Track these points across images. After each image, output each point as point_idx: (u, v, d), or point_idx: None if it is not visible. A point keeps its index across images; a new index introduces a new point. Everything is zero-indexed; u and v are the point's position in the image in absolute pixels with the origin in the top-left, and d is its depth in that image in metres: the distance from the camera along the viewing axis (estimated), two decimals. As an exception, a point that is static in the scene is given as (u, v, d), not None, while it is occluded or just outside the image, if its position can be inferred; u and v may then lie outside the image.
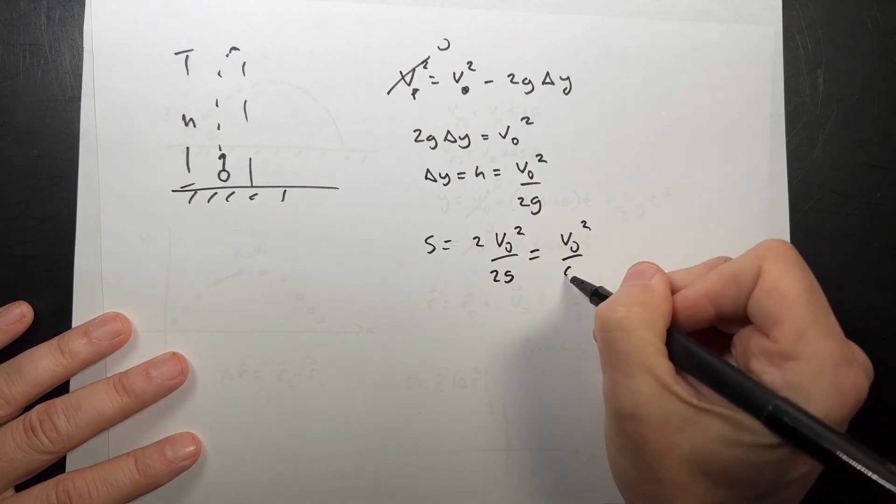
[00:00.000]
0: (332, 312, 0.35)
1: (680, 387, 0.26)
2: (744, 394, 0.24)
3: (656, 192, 0.36)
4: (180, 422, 0.34)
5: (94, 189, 0.33)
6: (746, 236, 0.36)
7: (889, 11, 0.37)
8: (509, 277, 0.35)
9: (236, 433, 0.35)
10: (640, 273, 0.30)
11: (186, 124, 0.34)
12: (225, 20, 0.34)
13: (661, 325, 0.27)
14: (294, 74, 0.34)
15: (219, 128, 0.34)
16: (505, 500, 0.36)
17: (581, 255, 0.36)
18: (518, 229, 0.35)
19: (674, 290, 0.29)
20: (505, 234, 0.35)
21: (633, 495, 0.28)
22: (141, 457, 0.33)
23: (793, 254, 0.26)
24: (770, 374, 0.25)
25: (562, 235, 0.36)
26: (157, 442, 0.34)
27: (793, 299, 0.25)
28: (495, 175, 0.35)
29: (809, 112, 0.37)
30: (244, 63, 0.34)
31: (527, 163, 0.35)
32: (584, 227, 0.36)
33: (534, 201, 0.36)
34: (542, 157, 0.35)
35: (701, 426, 0.25)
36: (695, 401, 0.25)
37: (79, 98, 0.33)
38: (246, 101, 0.34)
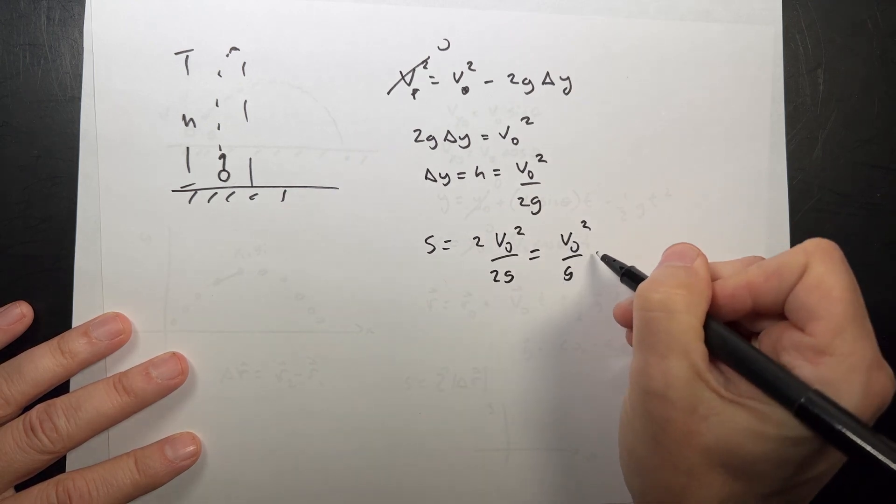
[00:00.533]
0: (332, 312, 0.35)
1: (712, 375, 0.26)
2: (776, 384, 0.25)
3: (656, 192, 0.36)
4: (180, 422, 0.34)
5: (94, 189, 0.33)
6: (746, 236, 0.36)
7: (889, 11, 0.37)
8: (509, 277, 0.35)
9: (236, 433, 0.35)
10: (681, 254, 0.29)
11: (186, 124, 0.34)
12: (225, 20, 0.34)
13: (702, 309, 0.27)
14: (294, 74, 0.34)
15: (219, 128, 0.34)
16: (505, 500, 0.36)
17: (581, 255, 0.36)
18: (518, 229, 0.35)
19: (712, 279, 0.29)
20: (505, 234, 0.35)
21: (645, 483, 0.27)
22: (141, 457, 0.33)
23: (839, 254, 0.26)
24: (801, 369, 0.25)
25: (562, 235, 0.36)
26: (157, 442, 0.34)
27: (836, 296, 0.25)
28: (495, 175, 0.35)
29: (809, 112, 0.37)
30: (244, 63, 0.34)
31: (527, 163, 0.35)
32: (584, 227, 0.36)
33: (534, 201, 0.36)
34: (542, 157, 0.35)
35: (727, 417, 0.25)
36: (724, 391, 0.26)
37: (79, 98, 0.33)
38: (246, 101, 0.34)
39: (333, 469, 0.35)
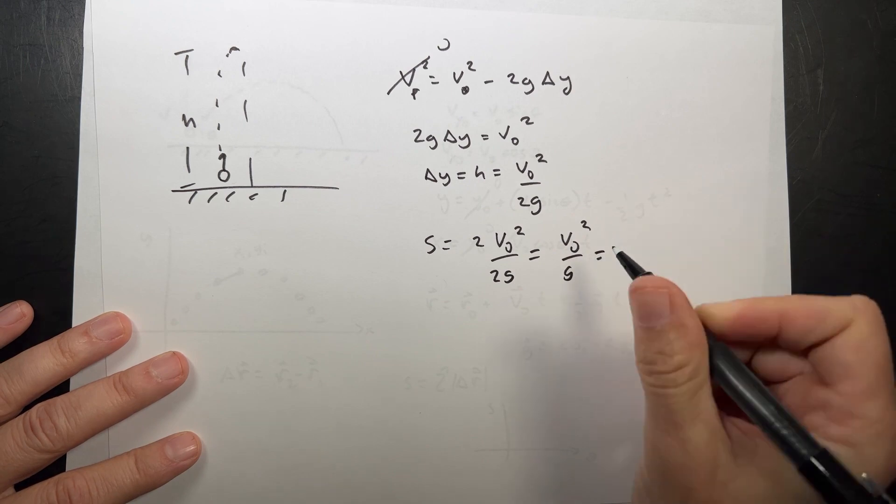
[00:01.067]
0: (332, 312, 0.35)
1: (728, 432, 0.26)
2: (786, 439, 0.24)
3: (656, 192, 0.36)
4: (180, 421, 0.34)
5: (94, 189, 0.33)
6: (746, 236, 0.36)
7: (889, 11, 0.37)
8: (509, 277, 0.35)
9: (236, 433, 0.35)
10: (653, 308, 0.27)
11: (186, 124, 0.34)
12: (225, 20, 0.34)
13: (704, 364, 0.26)
14: (294, 74, 0.34)
15: (219, 128, 0.34)
16: (505, 500, 0.36)
17: (581, 255, 0.36)
18: (518, 229, 0.35)
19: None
20: (505, 234, 0.35)
21: None
22: (141, 456, 0.33)
23: (881, 318, 0.26)
24: (827, 429, 0.25)
25: (562, 235, 0.36)
26: (157, 441, 0.34)
27: (874, 361, 0.25)
28: (495, 175, 0.35)
29: (809, 112, 0.37)
30: (244, 63, 0.34)
31: (527, 163, 0.35)
32: (584, 227, 0.36)
33: (534, 201, 0.36)
34: (542, 157, 0.35)
35: (745, 482, 0.25)
36: (740, 450, 0.26)
37: (79, 98, 0.33)
38: (246, 101, 0.34)
39: (333, 468, 0.35)
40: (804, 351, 0.27)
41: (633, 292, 0.27)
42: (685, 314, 0.26)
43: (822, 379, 0.26)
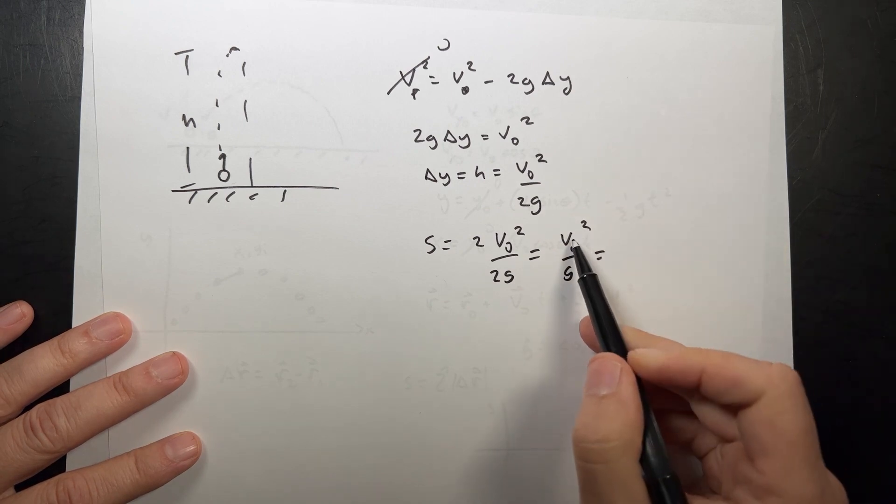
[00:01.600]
0: (332, 312, 0.35)
1: None
2: (645, 455, 0.27)
3: (656, 192, 0.36)
4: (180, 422, 0.34)
5: (94, 189, 0.33)
6: (746, 236, 0.36)
7: (889, 11, 0.37)
8: (509, 277, 0.35)
9: (236, 433, 0.35)
10: (603, 376, 0.29)
11: (186, 124, 0.34)
12: (225, 20, 0.34)
13: (638, 442, 0.27)
14: (294, 74, 0.34)
15: (219, 128, 0.34)
16: (505, 500, 0.36)
17: (581, 255, 0.36)
18: (518, 229, 0.35)
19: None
20: (505, 234, 0.35)
21: None
22: (141, 456, 0.33)
23: (800, 390, 0.27)
24: (748, 503, 0.26)
25: (562, 235, 0.36)
26: (157, 442, 0.34)
27: (789, 438, 0.26)
28: (495, 175, 0.35)
29: (809, 112, 0.37)
30: (244, 63, 0.34)
31: (527, 163, 0.35)
32: (584, 227, 0.36)
33: (534, 201, 0.36)
34: (542, 157, 0.35)
35: None
36: None
37: (79, 98, 0.33)
38: (246, 101, 0.34)
39: (333, 469, 0.35)
40: (731, 410, 0.28)
41: (592, 360, 0.30)
42: (629, 391, 0.28)
43: (745, 452, 0.27)
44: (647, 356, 0.29)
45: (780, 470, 0.25)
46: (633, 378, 0.29)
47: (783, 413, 0.26)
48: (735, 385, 0.27)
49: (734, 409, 0.27)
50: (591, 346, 0.34)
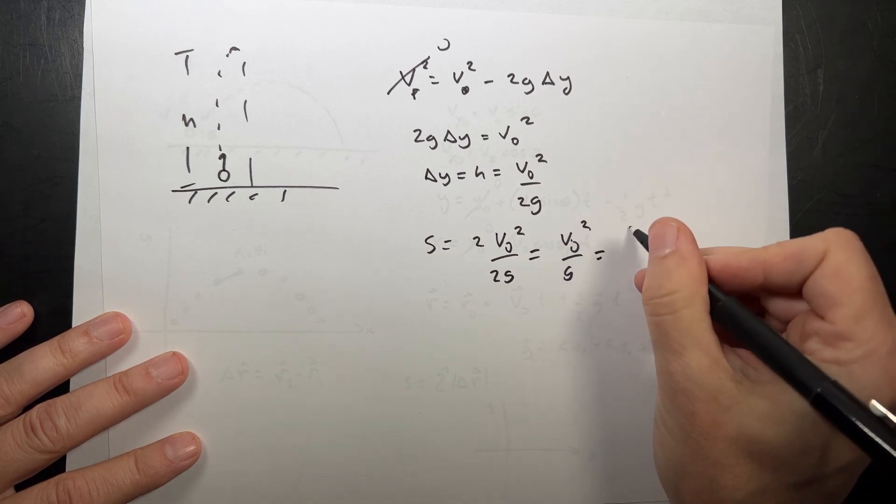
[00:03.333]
0: (332, 312, 0.35)
1: (728, 361, 0.27)
2: (793, 372, 0.25)
3: (656, 192, 0.36)
4: (180, 422, 0.34)
5: (94, 189, 0.33)
6: (746, 236, 0.36)
7: (889, 11, 0.37)
8: (509, 277, 0.35)
9: (236, 433, 0.35)
10: (662, 238, 0.30)
11: (186, 124, 0.34)
12: (225, 20, 0.34)
13: (703, 292, 0.28)
14: (294, 74, 0.34)
15: (219, 128, 0.34)
16: (505, 500, 0.36)
17: (581, 255, 0.36)
18: (518, 229, 0.35)
19: (709, 253, 0.30)
20: (505, 234, 0.35)
21: (678, 476, 0.28)
22: (141, 456, 0.33)
23: (858, 243, 0.27)
24: (822, 353, 0.26)
25: (562, 235, 0.36)
26: (157, 442, 0.34)
27: (856, 284, 0.26)
28: (495, 175, 0.35)
29: (809, 112, 0.37)
30: (244, 63, 0.34)
31: (527, 163, 0.35)
32: (584, 227, 0.36)
33: (534, 201, 0.36)
34: (542, 157, 0.35)
35: (747, 406, 0.26)
36: (742, 377, 0.27)
37: (79, 98, 0.33)
38: (246, 101, 0.34)
39: (333, 469, 0.35)
40: (798, 292, 0.28)
41: (652, 226, 0.31)
42: (688, 247, 0.29)
43: (815, 312, 0.27)
44: (711, 258, 0.30)
45: (852, 316, 0.25)
46: (691, 236, 0.30)
47: (847, 262, 0.26)
48: (799, 260, 0.27)
49: (800, 287, 0.28)
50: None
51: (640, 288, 0.34)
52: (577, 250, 0.36)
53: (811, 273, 0.27)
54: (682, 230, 0.30)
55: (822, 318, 0.26)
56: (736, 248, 0.30)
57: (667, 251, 0.29)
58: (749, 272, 0.28)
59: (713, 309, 0.28)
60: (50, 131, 0.34)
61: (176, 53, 0.33)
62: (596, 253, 0.36)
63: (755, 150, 0.36)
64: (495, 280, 0.35)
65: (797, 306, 0.29)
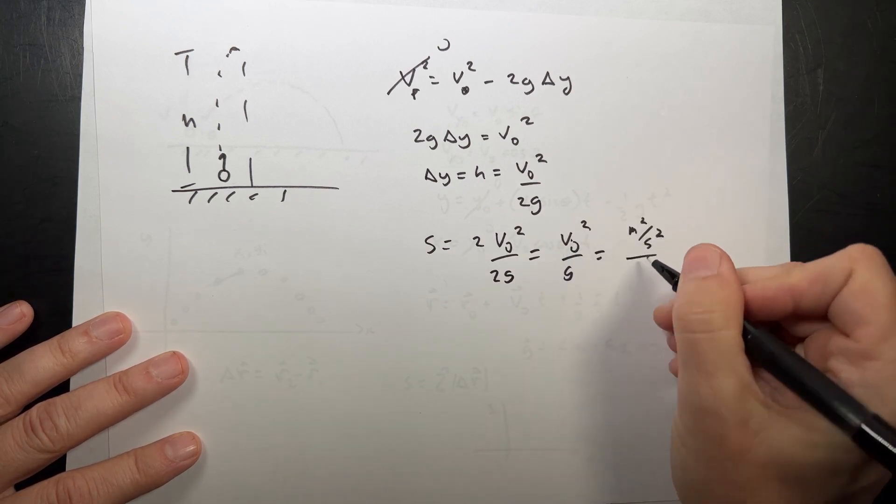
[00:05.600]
0: (332, 312, 0.35)
1: (759, 385, 0.27)
2: (832, 407, 0.25)
3: (656, 192, 0.36)
4: (180, 422, 0.34)
5: (94, 189, 0.33)
6: (746, 236, 0.36)
7: (889, 11, 0.37)
8: (509, 277, 0.35)
9: (236, 433, 0.35)
10: (704, 261, 0.29)
11: (186, 124, 0.34)
12: (225, 20, 0.34)
13: (740, 319, 0.28)
14: (294, 74, 0.34)
15: (219, 128, 0.34)
16: (505, 500, 0.36)
17: (581, 255, 0.36)
18: (518, 229, 0.35)
19: (743, 282, 0.29)
20: (505, 234, 0.35)
21: (701, 496, 0.28)
22: (141, 456, 0.33)
23: (882, 260, 0.27)
24: (847, 372, 0.25)
25: (562, 235, 0.36)
26: (157, 441, 0.34)
27: (882, 302, 0.25)
28: (495, 175, 0.35)
29: (809, 112, 0.37)
30: (244, 63, 0.34)
31: (527, 163, 0.35)
32: (584, 227, 0.36)
33: (534, 201, 0.36)
34: (542, 157, 0.35)
35: (778, 430, 0.25)
36: (772, 402, 0.26)
37: (79, 98, 0.33)
38: (246, 101, 0.34)
39: (333, 469, 0.35)
40: (824, 313, 0.28)
41: (692, 249, 0.30)
42: (731, 274, 0.28)
43: (840, 330, 0.27)
44: (747, 287, 0.29)
45: (879, 334, 0.25)
46: (732, 264, 0.29)
47: (873, 279, 0.26)
48: (826, 281, 0.27)
49: (826, 307, 0.27)
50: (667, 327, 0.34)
51: (660, 324, 0.33)
52: (577, 250, 0.36)
53: (837, 293, 0.26)
54: (725, 257, 0.29)
55: (846, 335, 0.26)
56: (760, 274, 0.29)
57: (709, 273, 0.29)
58: (778, 301, 0.28)
59: (745, 341, 0.28)
60: (50, 131, 0.34)
61: (176, 53, 0.33)
62: (596, 253, 0.36)
63: (755, 150, 0.36)
64: (495, 280, 0.35)
65: (815, 324, 0.28)
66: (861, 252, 0.27)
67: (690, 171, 0.36)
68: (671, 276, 0.33)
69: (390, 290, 0.35)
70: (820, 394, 0.25)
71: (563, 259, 0.36)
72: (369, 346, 0.35)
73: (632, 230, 0.36)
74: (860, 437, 0.24)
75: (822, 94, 0.37)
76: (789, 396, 0.27)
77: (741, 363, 0.27)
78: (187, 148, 0.34)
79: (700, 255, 0.30)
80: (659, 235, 0.36)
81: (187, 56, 0.34)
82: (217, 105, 0.34)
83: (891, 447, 0.23)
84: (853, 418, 0.24)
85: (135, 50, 0.33)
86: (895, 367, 0.25)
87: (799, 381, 0.26)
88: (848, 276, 0.26)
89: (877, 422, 0.23)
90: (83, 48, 0.33)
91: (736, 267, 0.29)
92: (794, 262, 0.29)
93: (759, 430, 0.26)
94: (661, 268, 0.34)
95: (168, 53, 0.33)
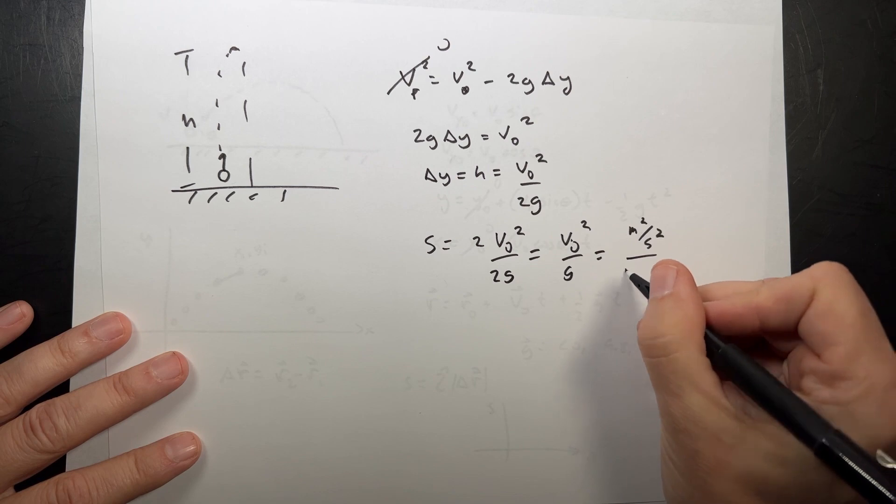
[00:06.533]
0: (332, 312, 0.35)
1: (728, 400, 0.27)
2: (796, 421, 0.24)
3: (656, 192, 0.36)
4: (180, 422, 0.34)
5: (94, 189, 0.33)
6: (746, 236, 0.36)
7: (889, 11, 0.37)
8: (509, 277, 0.35)
9: (236, 433, 0.35)
10: (662, 280, 0.30)
11: (186, 124, 0.34)
12: (225, 20, 0.34)
13: (698, 335, 0.28)
14: (294, 74, 0.34)
15: (219, 128, 0.34)
16: (505, 500, 0.36)
17: (581, 255, 0.36)
18: (518, 229, 0.35)
19: (709, 298, 0.30)
20: (505, 234, 0.35)
21: None
22: (141, 456, 0.33)
23: (848, 277, 0.27)
24: (819, 391, 0.26)
25: (562, 235, 0.36)
26: (157, 441, 0.34)
27: (848, 322, 0.25)
28: (495, 175, 0.35)
29: (809, 112, 0.37)
30: (244, 63, 0.34)
31: (527, 163, 0.35)
32: (584, 227, 0.36)
33: (534, 201, 0.36)
34: (542, 157, 0.35)
35: (750, 444, 0.26)
36: (743, 415, 0.26)
37: (79, 98, 0.33)
38: (246, 101, 0.34)
39: (333, 469, 0.35)
40: (795, 330, 0.28)
41: (654, 266, 0.31)
42: (685, 291, 0.29)
43: (812, 350, 0.27)
44: (709, 305, 0.29)
45: (846, 354, 0.25)
46: (690, 278, 0.30)
47: (837, 299, 0.26)
48: (790, 300, 0.27)
49: (796, 326, 0.27)
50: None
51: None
52: (577, 250, 0.36)
53: (803, 313, 0.27)
54: (682, 273, 0.30)
55: (817, 356, 0.26)
56: (731, 289, 0.29)
57: (665, 293, 0.29)
58: (744, 318, 0.28)
59: (714, 356, 0.28)
60: (50, 131, 0.34)
61: (176, 53, 0.33)
62: (596, 253, 0.36)
63: (755, 150, 0.36)
64: (495, 280, 0.35)
65: (795, 340, 0.28)
66: (825, 271, 0.27)
67: (690, 171, 0.36)
68: (647, 290, 0.33)
69: (390, 290, 0.35)
70: (785, 409, 0.25)
71: (563, 259, 0.36)
72: (369, 346, 0.35)
73: (632, 230, 0.36)
74: (822, 453, 0.23)
75: (822, 93, 0.37)
76: (761, 409, 0.27)
77: (705, 380, 0.27)
78: (187, 148, 0.34)
79: (658, 274, 0.30)
80: (659, 235, 0.36)
81: (187, 56, 0.34)
82: (217, 105, 0.34)
83: (851, 463, 0.23)
84: (815, 433, 0.24)
85: (135, 50, 0.33)
86: (865, 386, 0.25)
87: (765, 396, 0.26)
88: (812, 296, 0.26)
89: (839, 437, 0.23)
90: (83, 48, 0.33)
91: (736, 270, 0.29)
92: (768, 279, 0.29)
93: (734, 445, 0.26)
94: (637, 281, 0.35)
95: (168, 53, 0.33)
